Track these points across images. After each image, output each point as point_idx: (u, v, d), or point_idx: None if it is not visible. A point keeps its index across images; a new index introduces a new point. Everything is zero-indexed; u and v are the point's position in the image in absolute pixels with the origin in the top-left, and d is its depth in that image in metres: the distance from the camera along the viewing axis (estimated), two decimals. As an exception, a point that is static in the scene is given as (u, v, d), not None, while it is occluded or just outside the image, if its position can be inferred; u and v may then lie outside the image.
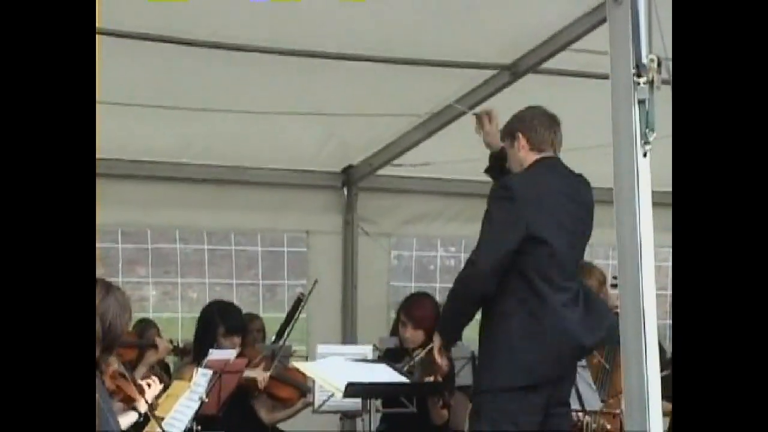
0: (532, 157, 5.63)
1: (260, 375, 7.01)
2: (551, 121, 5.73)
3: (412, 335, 7.14)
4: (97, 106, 6.95)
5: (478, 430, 5.48)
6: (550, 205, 5.50)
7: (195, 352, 6.90)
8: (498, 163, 5.98)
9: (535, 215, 5.41)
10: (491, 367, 5.45)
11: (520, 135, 5.66)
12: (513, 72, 7.30)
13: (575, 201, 5.63)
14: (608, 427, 6.24)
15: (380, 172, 8.88)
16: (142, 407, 5.67)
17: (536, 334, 5.34)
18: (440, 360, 5.76)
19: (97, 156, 7.95)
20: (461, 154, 7.67)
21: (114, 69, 6.76)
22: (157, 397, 5.92)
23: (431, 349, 6.75)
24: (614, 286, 6.25)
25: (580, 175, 5.78)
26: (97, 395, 4.67)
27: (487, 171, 6.08)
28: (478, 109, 6.11)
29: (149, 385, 5.80)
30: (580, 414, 6.21)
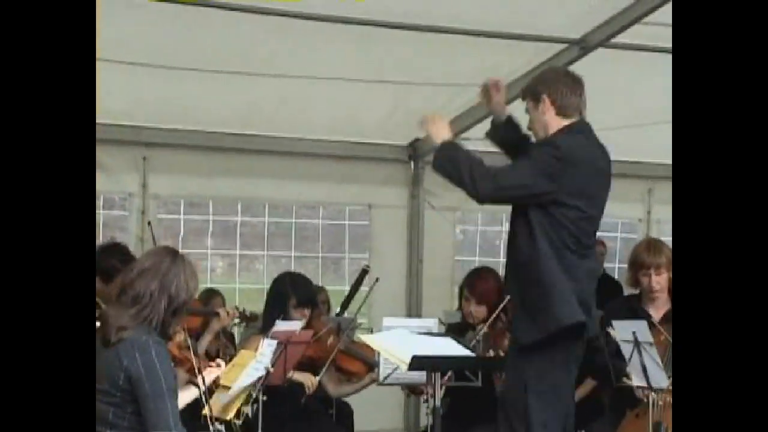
0: (558, 121, 5.50)
1: (308, 380, 6.93)
2: (576, 84, 5.58)
3: (475, 310, 7.10)
4: (163, 73, 7.08)
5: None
6: (587, 173, 5.41)
7: (264, 322, 6.89)
8: (498, 130, 5.94)
9: (571, 180, 5.33)
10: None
11: (546, 98, 5.51)
12: (582, 46, 7.24)
13: (602, 172, 5.54)
14: (674, 404, 6.17)
15: (447, 146, 8.84)
16: (201, 383, 5.60)
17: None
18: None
19: (163, 126, 8.15)
20: (527, 128, 7.65)
21: (178, 35, 6.79)
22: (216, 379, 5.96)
23: (495, 324, 6.75)
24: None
25: (602, 146, 5.64)
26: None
27: (488, 135, 6.01)
28: (485, 80, 5.97)
29: (218, 365, 5.77)
30: (646, 391, 6.14)
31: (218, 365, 5.72)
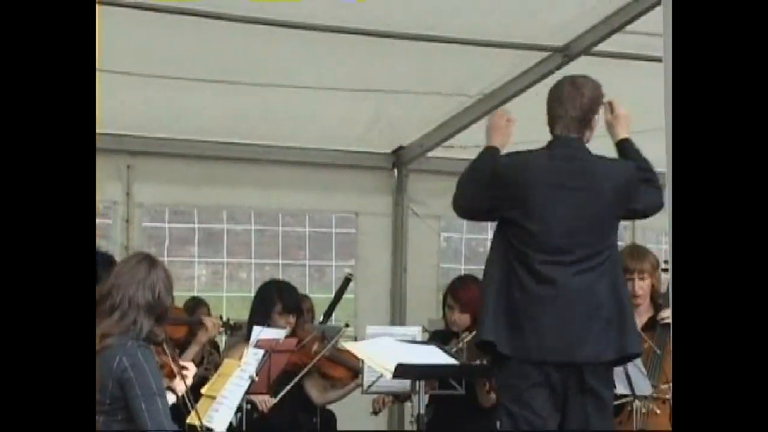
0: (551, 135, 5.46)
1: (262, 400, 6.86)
2: (565, 95, 5.40)
3: (459, 318, 7.11)
4: (146, 81, 7.09)
5: None
6: (528, 187, 5.31)
7: (249, 330, 6.89)
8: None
9: (507, 194, 5.32)
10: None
11: (548, 110, 5.48)
12: (565, 54, 7.25)
13: (561, 187, 5.31)
14: (657, 411, 6.19)
15: (431, 153, 8.87)
16: (179, 388, 5.49)
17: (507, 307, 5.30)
18: None
19: (147, 134, 8.16)
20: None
21: (162, 44, 6.80)
22: (200, 383, 5.92)
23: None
24: (665, 270, 6.19)
25: (595, 158, 5.44)
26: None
27: None
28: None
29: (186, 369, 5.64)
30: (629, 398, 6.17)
31: (186, 368, 5.62)
